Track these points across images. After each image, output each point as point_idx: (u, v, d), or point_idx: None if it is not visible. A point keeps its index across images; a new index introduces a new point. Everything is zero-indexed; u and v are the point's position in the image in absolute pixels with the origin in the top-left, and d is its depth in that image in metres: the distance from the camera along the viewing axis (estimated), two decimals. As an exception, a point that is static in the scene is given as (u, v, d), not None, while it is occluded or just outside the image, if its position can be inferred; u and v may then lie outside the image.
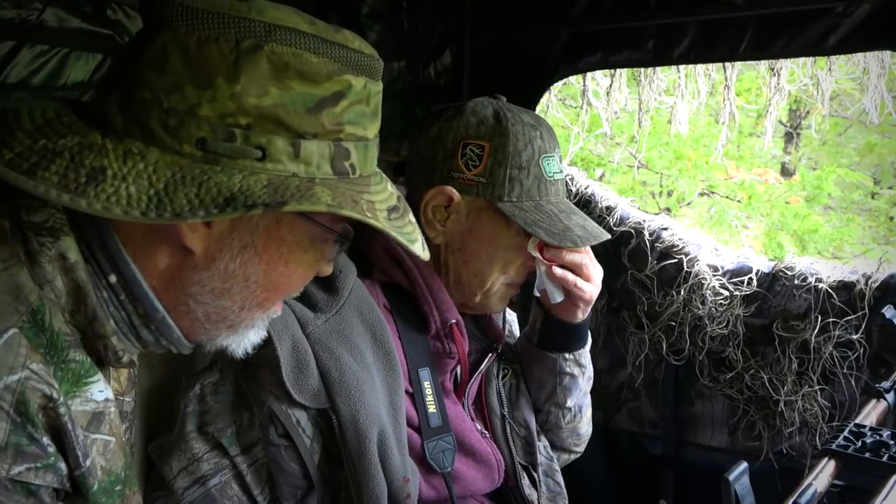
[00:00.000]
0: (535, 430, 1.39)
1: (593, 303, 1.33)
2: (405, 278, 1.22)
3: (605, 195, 2.62)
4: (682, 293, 2.37)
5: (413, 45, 2.68)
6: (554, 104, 3.30)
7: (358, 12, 2.53)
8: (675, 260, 2.40)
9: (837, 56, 2.41)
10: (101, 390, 0.77)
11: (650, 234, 2.46)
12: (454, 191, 1.20)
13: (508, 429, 1.35)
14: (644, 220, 2.50)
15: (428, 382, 1.20)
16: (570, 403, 1.42)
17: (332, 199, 0.76)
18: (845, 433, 1.09)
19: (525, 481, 1.35)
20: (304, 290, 1.13)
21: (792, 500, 0.88)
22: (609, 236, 1.28)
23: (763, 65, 2.60)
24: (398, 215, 0.85)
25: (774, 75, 2.54)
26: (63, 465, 0.71)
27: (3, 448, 0.65)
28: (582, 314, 1.34)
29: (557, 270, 1.25)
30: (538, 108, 2.78)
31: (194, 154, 0.72)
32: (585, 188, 2.62)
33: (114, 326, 0.79)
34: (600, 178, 6.25)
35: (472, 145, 1.20)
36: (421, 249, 0.86)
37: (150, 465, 1.14)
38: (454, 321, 1.23)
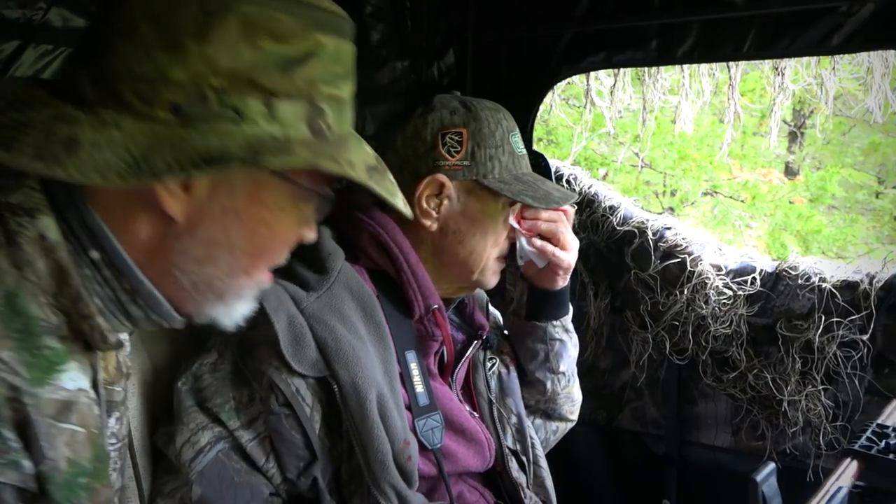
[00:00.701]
0: (525, 418, 1.45)
1: (572, 269, 1.45)
2: (391, 265, 1.27)
3: (609, 194, 2.62)
4: (686, 293, 2.37)
5: (416, 45, 2.68)
6: (557, 104, 3.30)
7: (361, 12, 2.53)
8: (679, 259, 2.40)
9: (841, 56, 2.41)
10: (72, 379, 0.75)
11: (654, 234, 2.46)
12: (444, 177, 1.27)
13: (496, 413, 1.41)
14: (647, 220, 2.50)
15: (415, 364, 1.26)
16: (563, 368, 1.51)
17: (310, 155, 0.76)
18: (868, 434, 1.09)
19: (513, 465, 1.41)
20: (296, 272, 1.17)
21: (824, 501, 0.87)
22: (576, 197, 1.40)
23: (767, 64, 2.60)
24: (378, 174, 0.85)
25: (778, 75, 2.54)
26: (28, 463, 0.69)
27: None
28: (563, 281, 1.46)
29: (537, 241, 1.37)
30: (542, 108, 2.78)
31: (169, 119, 0.71)
32: (589, 187, 2.62)
33: (99, 305, 0.78)
34: (604, 178, 6.25)
35: (451, 133, 1.27)
36: (403, 205, 0.88)
37: (158, 455, 1.15)
38: (436, 306, 1.29)
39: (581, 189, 2.62)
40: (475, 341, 1.40)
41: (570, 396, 1.58)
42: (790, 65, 2.52)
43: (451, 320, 1.40)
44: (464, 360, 1.38)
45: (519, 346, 1.51)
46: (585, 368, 2.70)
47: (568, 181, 2.63)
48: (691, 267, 2.38)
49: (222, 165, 0.72)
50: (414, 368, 1.25)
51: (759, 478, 0.84)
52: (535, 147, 2.70)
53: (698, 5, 2.28)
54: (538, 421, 1.58)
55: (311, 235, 0.92)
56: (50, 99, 0.73)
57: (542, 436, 1.57)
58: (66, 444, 0.73)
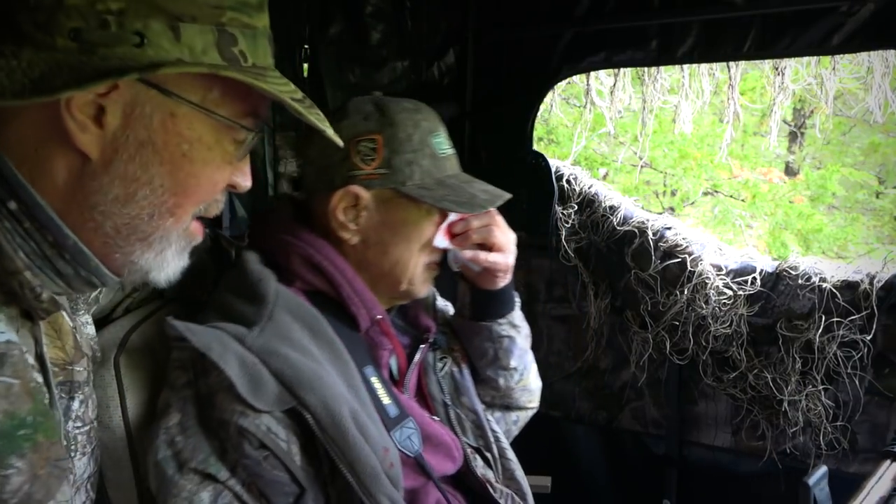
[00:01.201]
0: (482, 413, 1.43)
1: (512, 268, 1.41)
2: (327, 284, 1.23)
3: (609, 194, 2.62)
4: (686, 293, 2.37)
5: (417, 45, 2.68)
6: (557, 103, 3.30)
7: (362, 12, 2.53)
8: (679, 259, 2.40)
9: (841, 55, 2.41)
10: (1, 331, 0.72)
11: (654, 234, 2.46)
12: (359, 188, 1.22)
13: (453, 415, 1.39)
14: (648, 220, 2.50)
15: (375, 377, 1.22)
16: (513, 364, 1.47)
17: (214, 69, 0.73)
18: None
19: (478, 463, 1.38)
20: (232, 310, 1.12)
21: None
22: (509, 196, 1.32)
23: (767, 64, 2.60)
24: (305, 105, 0.82)
25: (778, 74, 2.54)
26: None
27: None
28: (503, 281, 1.42)
29: (467, 253, 1.32)
30: (542, 108, 2.78)
31: (69, 46, 0.69)
32: (589, 187, 2.62)
33: (24, 259, 0.75)
34: (604, 178, 6.25)
35: (364, 141, 1.22)
36: (334, 134, 0.85)
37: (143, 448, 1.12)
38: (380, 316, 1.26)
39: (581, 189, 2.62)
40: (421, 345, 1.36)
41: (527, 388, 1.54)
42: (790, 64, 2.52)
43: (395, 324, 1.36)
44: (413, 365, 1.34)
45: (468, 345, 1.48)
46: (586, 368, 2.71)
47: (568, 181, 2.64)
48: (692, 267, 2.38)
49: (117, 77, 0.69)
50: (375, 382, 1.22)
51: (811, 481, 0.83)
52: (535, 147, 2.70)
53: (698, 5, 2.28)
54: (497, 414, 1.54)
55: (243, 181, 0.88)
56: None
57: (504, 427, 1.54)
58: (2, 395, 0.70)
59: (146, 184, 0.78)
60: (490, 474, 1.39)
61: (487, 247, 1.35)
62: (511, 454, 1.45)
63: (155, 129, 0.76)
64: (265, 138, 2.34)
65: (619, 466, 2.71)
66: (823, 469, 0.86)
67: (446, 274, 1.40)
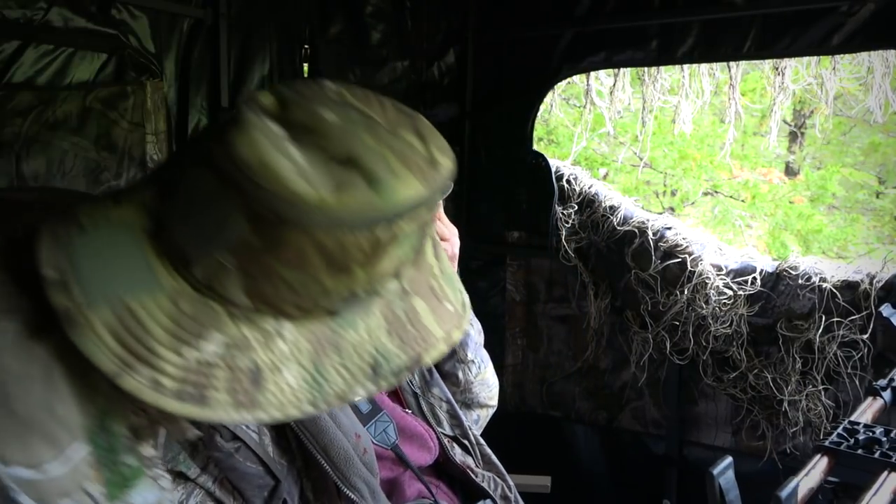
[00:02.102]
0: (454, 402, 1.46)
1: (457, 258, 1.42)
2: None
3: (609, 194, 2.62)
4: (686, 293, 2.37)
5: (417, 45, 2.68)
6: (557, 104, 3.30)
7: (362, 12, 2.54)
8: (679, 259, 2.40)
9: (842, 55, 2.41)
10: (140, 494, 0.72)
11: (654, 234, 2.46)
12: None
13: (426, 406, 1.41)
14: (648, 220, 2.50)
15: None
16: (470, 356, 1.51)
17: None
18: (839, 430, 1.10)
19: (456, 451, 1.40)
20: None
21: (776, 494, 0.89)
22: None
23: (767, 64, 2.60)
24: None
25: (779, 75, 2.53)
26: None
27: None
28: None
29: None
30: (542, 108, 2.78)
31: (323, 318, 0.70)
32: (589, 187, 2.62)
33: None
34: (604, 178, 6.25)
35: None
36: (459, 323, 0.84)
37: None
38: None
39: (581, 189, 2.62)
40: None
41: (485, 382, 1.57)
42: (790, 65, 2.52)
43: None
44: None
45: None
46: (586, 368, 2.71)
47: (568, 181, 2.64)
48: (692, 267, 2.38)
49: (393, 379, 0.72)
50: None
51: (715, 471, 0.85)
52: (535, 147, 2.70)
53: (698, 5, 2.28)
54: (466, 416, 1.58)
55: None
56: (199, 310, 0.66)
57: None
58: None
59: None
60: (470, 461, 1.41)
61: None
62: (483, 441, 1.49)
63: None
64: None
65: (619, 466, 2.71)
66: (728, 459, 0.88)
67: None
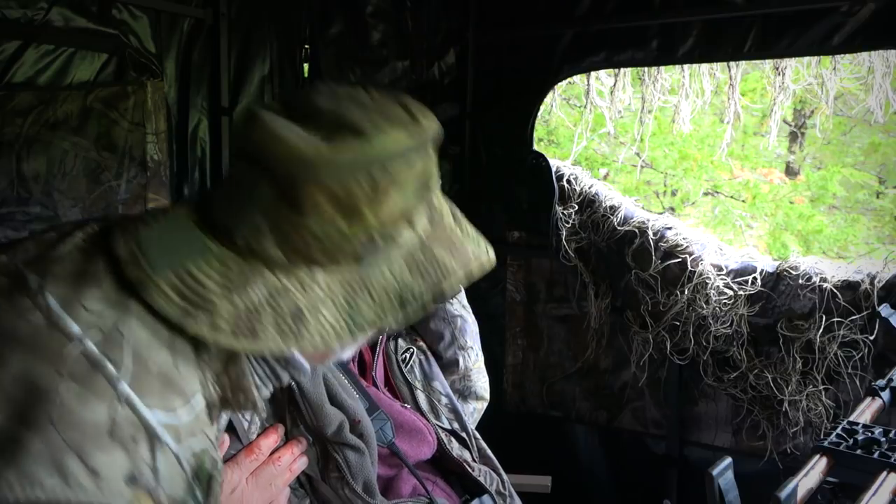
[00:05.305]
0: (454, 396, 1.50)
1: None
2: None
3: (610, 194, 2.62)
4: (686, 293, 2.37)
5: (417, 45, 2.68)
6: (558, 104, 3.30)
7: (362, 12, 2.54)
8: (679, 259, 2.40)
9: (842, 55, 2.41)
10: (209, 448, 0.83)
11: (654, 234, 2.46)
12: None
13: (425, 400, 1.45)
14: (648, 220, 2.50)
15: (342, 374, 1.27)
16: (469, 342, 1.58)
17: (457, 263, 0.89)
18: (838, 430, 1.10)
19: (454, 445, 1.43)
20: None
21: (775, 494, 0.89)
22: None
23: (767, 64, 2.60)
24: (459, 222, 0.94)
25: (779, 74, 2.53)
26: None
27: (177, 503, 0.72)
28: None
29: None
30: (542, 108, 2.78)
31: (350, 265, 0.82)
32: (590, 187, 2.62)
33: (256, 381, 0.88)
34: (605, 178, 6.25)
35: None
36: (486, 247, 0.95)
37: None
38: None
39: (582, 189, 2.62)
40: (380, 336, 1.43)
41: (482, 371, 1.64)
42: (791, 64, 2.52)
43: None
44: (377, 356, 1.41)
45: (425, 332, 1.56)
46: (586, 368, 2.71)
47: (569, 181, 2.64)
48: (692, 267, 2.38)
49: (419, 307, 0.83)
50: (343, 380, 1.26)
51: (715, 472, 0.85)
52: (535, 147, 2.70)
53: (698, 5, 2.28)
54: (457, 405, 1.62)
55: None
56: (246, 268, 0.80)
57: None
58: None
59: None
60: (467, 455, 1.43)
61: None
62: (479, 436, 1.52)
63: None
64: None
65: (619, 466, 2.71)
66: (728, 460, 0.89)
67: None
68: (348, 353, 1.00)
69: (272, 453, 1.06)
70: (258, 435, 1.12)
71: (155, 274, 0.75)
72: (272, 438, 1.05)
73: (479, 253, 0.94)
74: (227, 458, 1.01)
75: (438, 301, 0.87)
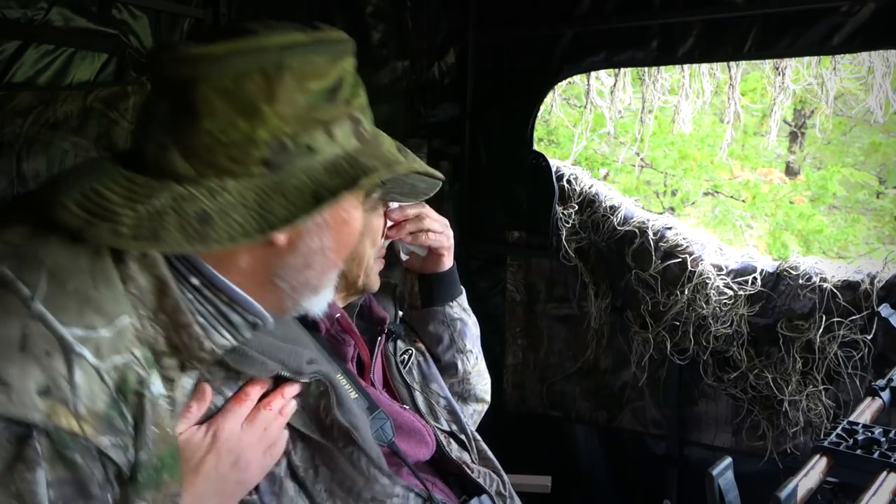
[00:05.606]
0: (452, 398, 1.48)
1: (452, 249, 1.49)
2: None
3: (610, 194, 2.62)
4: (686, 293, 2.37)
5: (417, 45, 2.68)
6: (558, 104, 3.30)
7: (362, 12, 2.54)
8: (679, 259, 2.40)
9: (842, 55, 2.41)
10: (158, 384, 0.84)
11: (654, 234, 2.46)
12: None
13: (424, 402, 1.43)
14: (648, 220, 2.50)
15: (339, 374, 1.24)
16: (469, 346, 1.56)
17: (382, 165, 0.89)
18: (838, 430, 1.10)
19: (453, 446, 1.41)
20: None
21: (775, 494, 0.89)
22: (442, 177, 1.33)
23: (767, 64, 2.60)
24: (405, 152, 0.98)
25: (779, 74, 2.53)
26: (132, 452, 0.78)
27: (100, 417, 0.74)
28: (448, 261, 1.51)
29: (408, 237, 1.43)
30: (542, 108, 2.78)
31: (262, 172, 0.82)
32: (590, 187, 2.62)
33: (197, 318, 0.86)
34: (605, 178, 6.25)
35: None
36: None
37: None
38: (339, 315, 1.30)
39: (582, 189, 2.62)
40: (378, 337, 1.41)
41: (481, 374, 1.62)
42: (791, 64, 2.52)
43: (356, 324, 1.40)
44: (375, 356, 1.39)
45: (424, 334, 1.55)
46: (586, 368, 2.71)
47: (569, 181, 2.64)
48: (692, 267, 2.38)
49: (332, 199, 0.83)
50: (341, 379, 1.23)
51: (715, 472, 0.86)
52: (535, 147, 2.70)
53: (698, 5, 2.28)
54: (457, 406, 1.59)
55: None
56: (153, 183, 0.81)
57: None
58: (154, 441, 0.81)
59: (320, 251, 0.93)
60: (466, 456, 1.42)
61: (423, 232, 1.45)
62: (479, 437, 1.51)
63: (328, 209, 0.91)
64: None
65: (619, 466, 2.71)
66: (728, 460, 0.89)
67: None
68: (317, 307, 0.99)
69: (261, 399, 1.05)
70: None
71: (64, 197, 0.78)
72: (259, 385, 1.04)
73: (418, 167, 0.96)
74: (216, 411, 1.00)
75: (349, 188, 0.85)
